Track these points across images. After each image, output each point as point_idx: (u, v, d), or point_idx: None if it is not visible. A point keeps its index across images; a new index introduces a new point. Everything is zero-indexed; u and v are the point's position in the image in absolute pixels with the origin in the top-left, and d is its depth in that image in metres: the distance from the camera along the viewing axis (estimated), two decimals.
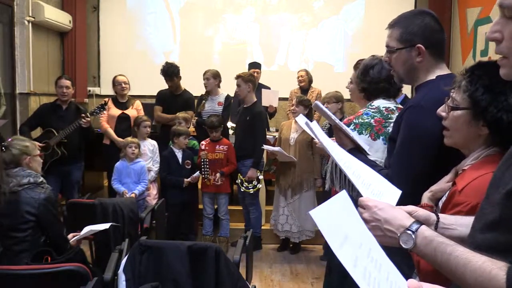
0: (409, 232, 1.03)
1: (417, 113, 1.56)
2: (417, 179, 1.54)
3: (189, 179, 4.35)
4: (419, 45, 1.60)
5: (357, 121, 2.16)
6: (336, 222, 0.99)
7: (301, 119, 1.75)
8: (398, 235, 1.05)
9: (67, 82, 4.38)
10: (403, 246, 1.04)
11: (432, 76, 1.63)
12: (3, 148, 2.54)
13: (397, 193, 1.34)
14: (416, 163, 1.55)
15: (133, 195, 4.15)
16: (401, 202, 1.24)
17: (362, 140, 2.07)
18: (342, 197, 1.08)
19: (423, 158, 1.54)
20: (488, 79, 1.28)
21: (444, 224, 1.18)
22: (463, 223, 1.18)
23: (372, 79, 2.22)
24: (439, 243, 0.97)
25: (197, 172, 4.38)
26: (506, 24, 0.93)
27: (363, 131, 2.12)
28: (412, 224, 1.05)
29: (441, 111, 1.40)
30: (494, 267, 0.88)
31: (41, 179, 2.54)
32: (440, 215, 1.20)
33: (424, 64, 1.63)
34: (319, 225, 0.96)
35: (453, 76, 1.48)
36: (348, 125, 2.16)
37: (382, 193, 1.31)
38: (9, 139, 2.67)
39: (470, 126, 1.31)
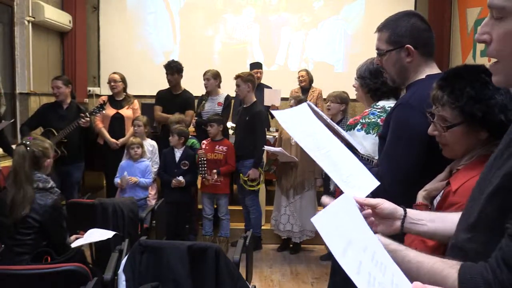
0: None
1: (405, 111, 1.58)
2: (407, 177, 1.55)
3: (174, 181, 4.28)
4: (408, 45, 1.62)
5: (364, 121, 2.18)
6: (339, 227, 0.95)
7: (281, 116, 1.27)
8: None
9: (58, 82, 4.40)
10: None
11: (422, 76, 1.65)
12: (27, 148, 2.47)
13: (372, 184, 1.21)
14: (405, 160, 1.56)
15: (135, 179, 4.18)
16: (393, 200, 1.21)
17: (370, 139, 2.09)
18: (345, 199, 1.06)
19: (412, 155, 1.55)
20: (472, 89, 1.28)
21: (412, 219, 1.16)
22: (433, 219, 1.17)
23: (383, 82, 2.21)
24: (390, 251, 0.96)
25: (180, 177, 4.28)
26: (495, 26, 0.87)
27: (371, 131, 2.14)
28: None
29: (432, 130, 1.40)
30: (446, 267, 0.89)
31: (51, 183, 2.51)
32: (408, 209, 1.17)
33: (414, 64, 1.65)
34: (321, 232, 0.91)
35: None
36: (355, 125, 2.17)
37: (356, 186, 1.17)
38: (30, 138, 2.60)
39: (469, 135, 1.33)
